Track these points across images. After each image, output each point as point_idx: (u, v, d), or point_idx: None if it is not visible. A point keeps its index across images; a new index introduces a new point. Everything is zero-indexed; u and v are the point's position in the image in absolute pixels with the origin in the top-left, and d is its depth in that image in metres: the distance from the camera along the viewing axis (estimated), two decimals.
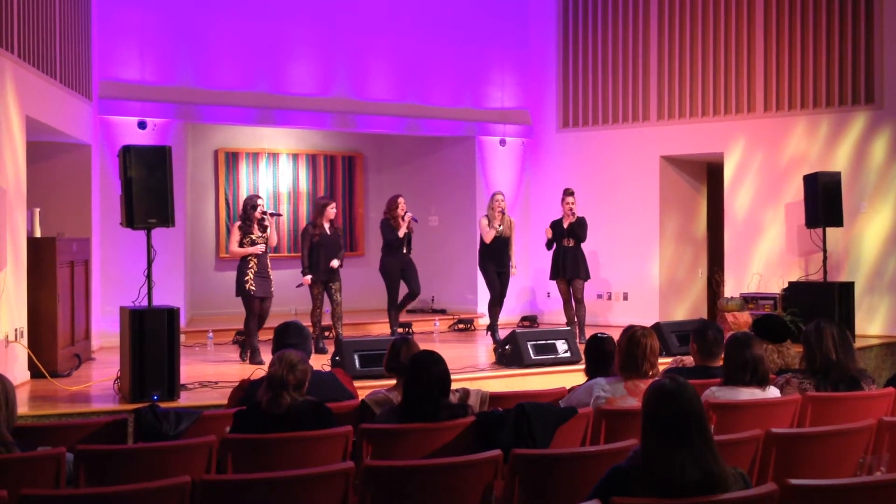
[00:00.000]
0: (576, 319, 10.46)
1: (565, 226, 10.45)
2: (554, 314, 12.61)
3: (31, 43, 8.17)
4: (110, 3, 10.62)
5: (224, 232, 12.50)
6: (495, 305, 10.46)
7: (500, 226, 10.27)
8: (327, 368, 6.66)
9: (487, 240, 10.29)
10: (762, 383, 4.90)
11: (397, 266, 10.18)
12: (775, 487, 3.20)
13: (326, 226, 9.60)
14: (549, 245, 10.64)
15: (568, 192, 10.53)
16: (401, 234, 10.06)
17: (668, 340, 9.03)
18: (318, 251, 9.55)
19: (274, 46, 11.63)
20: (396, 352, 5.11)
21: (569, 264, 10.46)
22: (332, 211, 9.61)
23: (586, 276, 10.57)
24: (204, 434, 4.48)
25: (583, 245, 10.56)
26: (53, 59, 8.81)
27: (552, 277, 10.71)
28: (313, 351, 7.47)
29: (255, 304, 8.86)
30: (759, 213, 11.50)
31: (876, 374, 9.48)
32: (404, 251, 10.16)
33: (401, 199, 10.15)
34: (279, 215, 9.18)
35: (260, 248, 8.84)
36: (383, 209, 10.36)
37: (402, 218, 10.07)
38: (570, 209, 10.40)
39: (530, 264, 12.67)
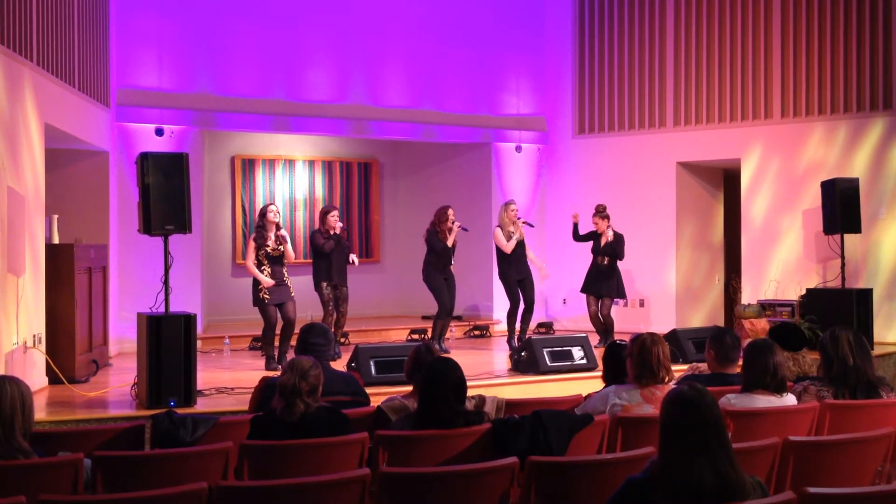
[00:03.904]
0: (604, 327, 10.58)
1: (602, 243, 10.49)
2: (570, 321, 12.60)
3: (50, 51, 8.23)
4: (128, 11, 10.69)
5: (241, 238, 12.54)
6: (514, 314, 10.44)
7: (514, 233, 10.29)
8: None
9: (508, 250, 10.25)
10: (779, 390, 4.87)
11: (441, 276, 10.13)
12: (793, 496, 3.18)
13: (331, 232, 9.61)
14: (575, 234, 10.70)
15: (595, 212, 10.58)
16: (450, 243, 10.05)
17: (684, 347, 8.98)
18: (329, 258, 9.56)
19: (290, 54, 11.68)
20: (420, 360, 5.09)
21: (601, 281, 10.53)
22: (332, 219, 9.61)
23: (617, 295, 10.64)
24: (220, 440, 4.49)
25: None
26: (72, 66, 8.87)
27: (583, 290, 10.76)
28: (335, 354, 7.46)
29: (272, 312, 8.87)
30: (777, 219, 11.45)
31: (895, 381, 9.42)
32: (450, 261, 10.16)
33: (450, 211, 10.13)
34: (285, 240, 9.13)
35: (269, 282, 8.82)
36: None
37: (451, 229, 10.07)
38: (604, 229, 10.49)
39: (546, 272, 12.65)
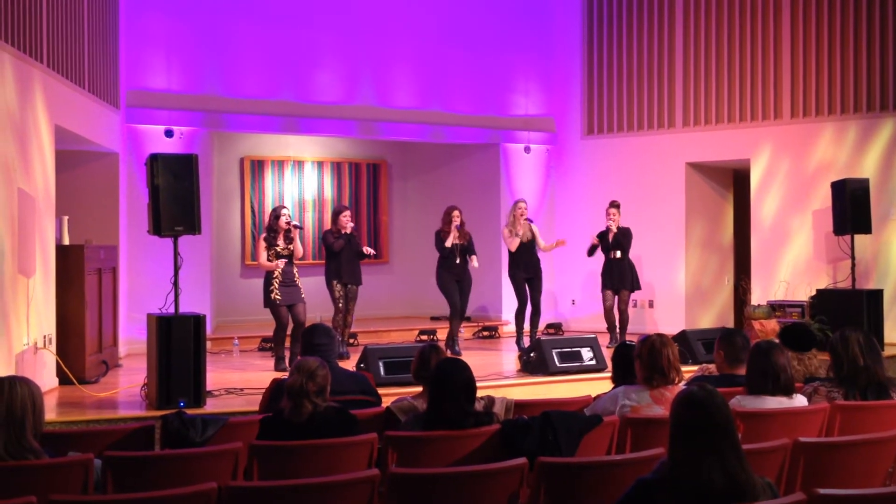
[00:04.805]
0: (617, 326, 10.62)
1: (610, 238, 10.56)
2: (579, 322, 12.59)
3: (60, 53, 8.26)
4: (137, 13, 10.72)
5: (250, 239, 12.58)
6: (522, 314, 10.46)
7: (521, 232, 10.32)
8: None
9: (512, 248, 10.36)
10: (786, 392, 4.84)
11: (452, 278, 10.12)
12: (803, 497, 3.17)
13: (342, 232, 9.68)
14: (590, 252, 10.69)
15: (611, 205, 10.67)
16: (448, 244, 10.06)
17: (693, 348, 8.98)
18: (339, 257, 9.62)
19: (299, 55, 11.70)
20: (426, 360, 5.10)
21: (615, 275, 10.60)
22: (343, 219, 9.68)
23: (633, 287, 10.70)
24: (230, 441, 4.50)
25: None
26: (82, 68, 8.90)
27: (602, 288, 10.81)
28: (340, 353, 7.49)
29: (283, 312, 8.90)
30: (787, 220, 11.42)
31: None
32: (458, 261, 10.13)
33: (455, 213, 10.13)
34: (300, 228, 9.24)
35: (281, 263, 8.87)
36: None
37: (448, 228, 10.06)
38: (611, 221, 10.52)
39: (555, 272, 12.63)
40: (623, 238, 10.61)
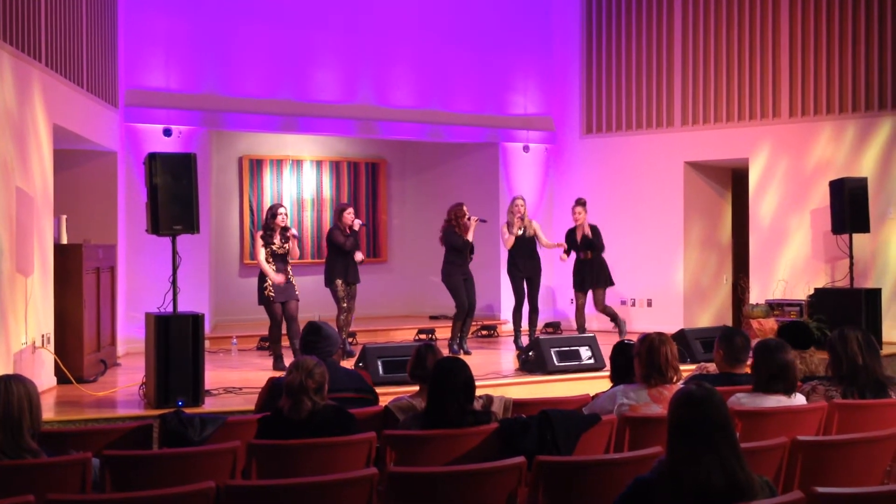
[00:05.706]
0: (585, 326, 10.59)
1: (578, 238, 10.48)
2: None
3: (59, 52, 8.26)
4: (137, 12, 10.71)
5: (248, 238, 12.57)
6: (519, 311, 10.45)
7: (519, 230, 10.27)
8: None
9: (507, 246, 10.33)
10: (789, 391, 4.86)
11: (460, 275, 10.08)
12: (801, 495, 3.17)
13: (348, 231, 9.73)
14: (567, 252, 10.62)
15: (577, 202, 10.57)
16: (470, 237, 10.02)
17: (692, 347, 8.97)
18: (346, 255, 9.63)
19: (298, 54, 11.69)
20: (422, 359, 5.11)
21: (587, 276, 10.50)
22: (347, 216, 9.71)
23: (607, 284, 10.56)
24: (228, 440, 4.50)
25: (606, 252, 10.60)
26: (80, 67, 8.90)
27: (574, 289, 10.73)
28: (340, 352, 7.52)
29: (277, 309, 8.90)
30: (785, 219, 11.42)
31: None
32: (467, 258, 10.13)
33: (465, 207, 10.13)
34: (297, 238, 9.22)
35: (280, 279, 8.84)
36: (446, 217, 10.19)
37: (467, 225, 10.01)
38: (576, 219, 10.45)
39: (553, 271, 12.62)
40: (594, 237, 10.50)
